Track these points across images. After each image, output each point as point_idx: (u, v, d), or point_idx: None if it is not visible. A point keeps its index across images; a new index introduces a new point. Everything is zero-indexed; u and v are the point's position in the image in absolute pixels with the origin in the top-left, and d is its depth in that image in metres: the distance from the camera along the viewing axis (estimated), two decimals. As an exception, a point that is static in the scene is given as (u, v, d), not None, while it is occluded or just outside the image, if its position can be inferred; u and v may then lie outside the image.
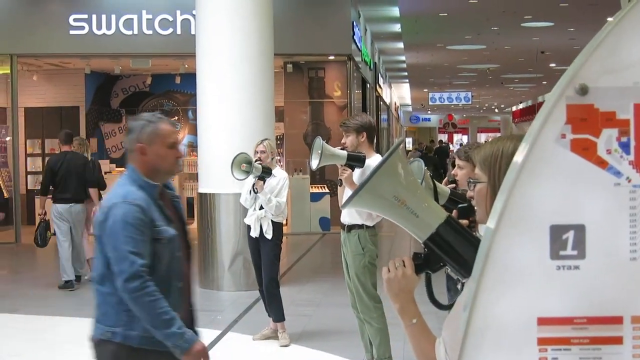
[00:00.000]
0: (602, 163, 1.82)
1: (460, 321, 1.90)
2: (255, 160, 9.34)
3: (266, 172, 9.35)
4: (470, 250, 2.43)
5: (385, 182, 2.40)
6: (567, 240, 1.82)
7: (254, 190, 9.37)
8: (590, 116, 1.82)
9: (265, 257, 9.52)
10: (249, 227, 9.61)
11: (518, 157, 1.84)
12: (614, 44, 1.82)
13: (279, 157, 9.96)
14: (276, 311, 9.68)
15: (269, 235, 9.44)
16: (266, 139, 9.84)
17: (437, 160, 34.50)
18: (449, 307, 2.71)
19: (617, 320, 1.85)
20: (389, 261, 2.64)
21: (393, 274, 2.61)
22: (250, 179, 9.33)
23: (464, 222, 2.76)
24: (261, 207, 9.43)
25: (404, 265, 2.60)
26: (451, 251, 2.46)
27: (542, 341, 1.84)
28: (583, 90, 1.81)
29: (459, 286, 2.77)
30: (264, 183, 9.37)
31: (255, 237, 9.55)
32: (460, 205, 3.04)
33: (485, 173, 2.60)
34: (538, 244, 1.82)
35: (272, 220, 9.46)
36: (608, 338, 1.85)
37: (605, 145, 1.82)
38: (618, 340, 1.85)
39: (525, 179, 1.82)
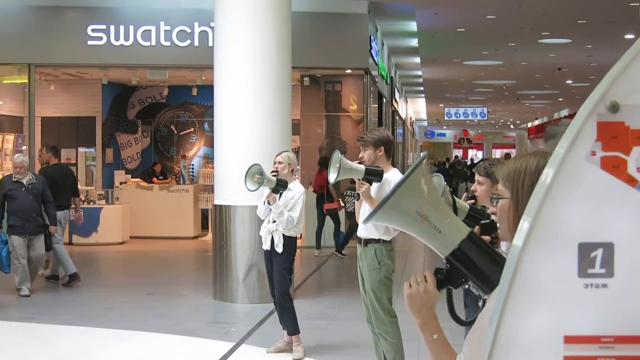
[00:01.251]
0: (632, 181, 1.81)
1: (484, 337, 1.89)
2: (272, 172, 9.33)
3: (281, 185, 9.30)
4: (492, 267, 2.42)
5: (408, 197, 2.39)
6: (595, 258, 1.81)
7: (268, 203, 9.36)
8: (621, 134, 1.81)
9: (276, 270, 9.50)
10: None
11: (547, 174, 1.83)
12: (645, 62, 1.81)
13: (298, 168, 9.89)
14: (289, 324, 9.65)
15: (279, 249, 9.40)
16: (286, 151, 9.78)
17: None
18: (469, 323, 2.69)
19: (645, 340, 1.83)
20: (411, 277, 2.63)
21: (415, 289, 2.59)
22: (268, 191, 9.31)
23: (486, 238, 2.73)
24: (275, 220, 9.42)
25: (426, 281, 2.59)
26: (473, 267, 2.45)
27: (568, 359, 1.83)
28: (614, 108, 1.80)
29: (480, 303, 2.76)
30: (280, 196, 9.36)
31: (267, 250, 9.54)
32: (482, 222, 3.02)
33: (508, 189, 2.59)
34: (566, 261, 1.81)
35: (284, 234, 9.44)
36: (635, 357, 1.83)
37: (635, 163, 1.81)
38: (645, 360, 1.84)
39: (555, 195, 1.81)
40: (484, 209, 5.62)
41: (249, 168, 9.09)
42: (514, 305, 1.83)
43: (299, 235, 9.87)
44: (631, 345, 1.83)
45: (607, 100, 1.80)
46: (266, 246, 9.53)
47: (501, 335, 1.83)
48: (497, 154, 71.37)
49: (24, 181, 13.13)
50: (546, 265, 1.81)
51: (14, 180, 13.23)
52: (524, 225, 1.84)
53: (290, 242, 9.51)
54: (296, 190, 9.50)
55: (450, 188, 5.37)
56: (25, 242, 13.13)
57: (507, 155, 37.10)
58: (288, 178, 9.44)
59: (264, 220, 9.60)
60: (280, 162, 9.47)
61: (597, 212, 1.81)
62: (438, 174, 5.31)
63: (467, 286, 2.56)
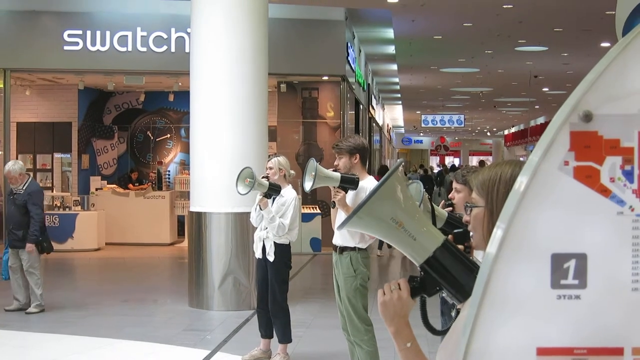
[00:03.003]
0: (605, 191, 1.80)
1: (457, 347, 1.87)
2: (263, 177, 9.27)
3: (274, 190, 9.20)
4: (467, 275, 2.40)
5: (383, 203, 2.37)
6: (568, 269, 1.80)
7: (260, 208, 9.29)
8: (594, 143, 1.79)
9: (272, 281, 9.43)
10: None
11: (520, 183, 1.81)
12: (618, 71, 1.79)
13: (293, 172, 9.78)
14: (279, 331, 9.62)
15: (270, 257, 9.32)
16: (277, 156, 9.64)
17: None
18: (443, 332, 2.68)
19: (618, 352, 1.81)
20: (385, 284, 2.61)
21: (388, 296, 2.57)
22: (259, 197, 9.23)
23: (460, 247, 2.72)
24: (266, 227, 9.35)
25: (400, 288, 2.57)
26: (447, 275, 2.44)
27: (541, 371, 1.81)
28: (587, 117, 1.78)
29: (453, 313, 2.74)
30: (272, 201, 9.29)
31: (259, 258, 9.48)
32: (456, 230, 3.01)
33: (482, 197, 2.59)
34: (539, 272, 1.80)
35: (275, 242, 9.37)
36: (608, 369, 1.82)
37: (608, 173, 1.80)
38: (619, 372, 1.82)
39: (527, 205, 1.79)
40: (462, 217, 5.61)
41: (241, 171, 8.98)
42: (487, 315, 1.81)
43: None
44: (604, 357, 1.81)
45: (580, 110, 1.79)
46: (258, 254, 9.47)
47: (474, 346, 1.81)
48: (474, 161, 71.62)
49: (14, 190, 12.76)
50: (519, 275, 1.80)
51: (10, 187, 12.97)
52: (497, 232, 1.83)
53: (282, 251, 9.43)
54: (288, 196, 9.40)
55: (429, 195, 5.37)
56: (15, 253, 12.71)
57: (482, 163, 37.23)
58: (280, 183, 9.36)
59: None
60: (270, 168, 9.39)
61: (571, 222, 1.79)
62: (417, 180, 5.30)
63: (442, 295, 2.54)
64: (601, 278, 1.80)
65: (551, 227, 1.79)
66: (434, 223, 4.58)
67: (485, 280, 1.81)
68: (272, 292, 9.45)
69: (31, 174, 13.67)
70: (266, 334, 9.76)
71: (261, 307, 9.68)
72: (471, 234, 2.71)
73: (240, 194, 9.01)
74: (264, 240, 9.37)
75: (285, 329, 9.59)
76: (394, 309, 2.57)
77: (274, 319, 9.56)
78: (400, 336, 2.60)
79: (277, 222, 9.23)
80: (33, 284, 12.56)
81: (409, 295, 2.56)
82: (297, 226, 9.58)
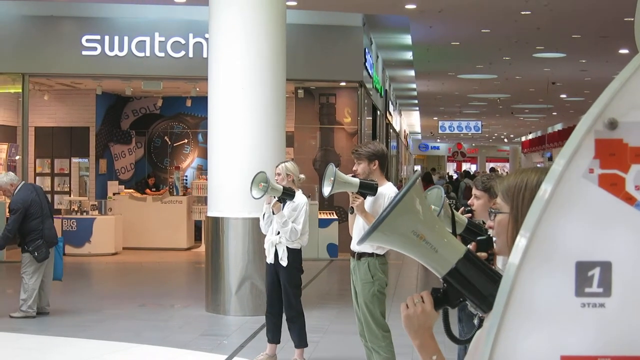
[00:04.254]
0: (630, 199, 1.79)
1: (481, 357, 1.86)
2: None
3: (288, 194, 9.21)
4: (490, 285, 2.39)
5: (403, 218, 2.35)
6: (592, 277, 1.79)
7: (272, 212, 9.30)
8: (619, 151, 1.79)
9: (286, 286, 9.45)
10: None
11: (544, 191, 1.81)
12: (643, 79, 1.79)
13: (303, 176, 9.77)
14: (295, 336, 9.63)
15: (284, 262, 9.34)
16: (285, 162, 9.69)
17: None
18: (466, 342, 2.66)
19: (642, 361, 1.81)
20: (408, 297, 2.59)
21: (412, 310, 2.55)
22: (266, 205, 9.26)
23: (482, 255, 2.71)
24: (278, 232, 9.36)
25: (423, 301, 2.55)
26: (471, 286, 2.42)
27: (565, 380, 1.80)
28: (612, 125, 1.78)
29: (475, 321, 2.73)
30: (284, 206, 9.30)
31: (271, 263, 9.49)
32: (479, 238, 2.99)
33: (507, 204, 2.57)
34: (563, 280, 1.79)
35: (288, 247, 9.38)
36: (632, 378, 1.81)
37: (634, 181, 1.79)
38: (643, 381, 1.81)
39: (552, 213, 1.79)
40: (481, 224, 5.60)
41: (255, 175, 9.00)
42: (510, 324, 1.80)
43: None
44: (628, 365, 1.80)
45: (606, 117, 1.78)
46: (270, 259, 9.48)
47: (497, 355, 1.81)
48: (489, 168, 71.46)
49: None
50: (543, 283, 1.79)
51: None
52: (520, 241, 1.82)
53: (295, 255, 9.44)
54: (299, 201, 9.40)
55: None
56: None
57: (492, 170, 37.13)
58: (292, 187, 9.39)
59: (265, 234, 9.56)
60: (278, 174, 9.42)
61: (595, 230, 1.79)
62: (438, 186, 5.29)
63: (465, 306, 2.53)
64: (626, 286, 1.79)
65: (576, 234, 1.79)
66: (454, 229, 4.57)
67: (509, 288, 1.80)
68: (286, 297, 9.46)
69: (24, 180, 13.31)
70: (273, 339, 9.75)
71: (270, 311, 9.70)
72: (494, 239, 2.70)
73: (255, 198, 9.03)
74: (277, 246, 9.38)
75: (301, 334, 9.60)
76: (418, 322, 2.55)
77: (290, 324, 9.56)
78: (425, 349, 2.58)
79: (289, 226, 9.24)
80: (21, 288, 12.48)
81: (432, 307, 2.54)
82: (307, 231, 9.61)
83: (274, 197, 9.17)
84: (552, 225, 1.78)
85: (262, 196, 8.97)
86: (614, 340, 1.79)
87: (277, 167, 9.53)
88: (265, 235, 9.64)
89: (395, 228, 2.35)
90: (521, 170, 2.64)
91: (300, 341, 9.62)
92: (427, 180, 18.31)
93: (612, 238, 1.79)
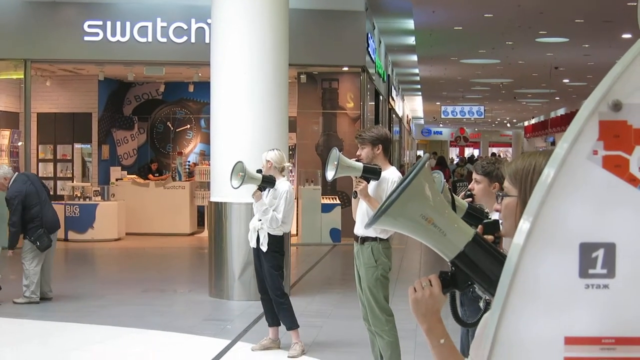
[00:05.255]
0: (634, 180, 1.79)
1: (486, 339, 1.86)
2: (258, 171, 9.34)
3: (268, 182, 9.32)
4: (498, 269, 2.38)
5: (413, 202, 2.34)
6: (596, 259, 1.79)
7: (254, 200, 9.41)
8: (623, 133, 1.79)
9: (265, 268, 9.52)
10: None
11: (547, 175, 1.80)
12: (648, 60, 1.79)
13: (289, 165, 9.83)
14: (286, 319, 9.65)
15: (264, 247, 9.43)
16: (272, 150, 9.74)
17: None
18: (473, 325, 2.66)
19: (647, 342, 1.81)
20: (416, 281, 2.58)
21: (420, 293, 2.54)
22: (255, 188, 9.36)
23: (489, 237, 2.70)
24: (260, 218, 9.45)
25: (431, 285, 2.54)
26: (479, 270, 2.41)
27: (568, 360, 1.81)
28: (616, 107, 1.78)
29: (480, 304, 2.73)
30: (267, 193, 9.37)
31: (254, 248, 9.56)
32: (486, 221, 2.98)
33: (515, 187, 2.56)
34: (567, 261, 1.79)
35: (269, 233, 9.44)
36: (636, 359, 1.81)
37: (638, 163, 1.79)
38: (647, 362, 1.82)
39: (555, 195, 1.78)
40: (482, 207, 5.61)
41: (234, 166, 9.17)
42: (514, 305, 1.80)
43: (294, 233, 9.83)
44: (633, 346, 1.80)
45: (610, 99, 1.78)
46: (252, 244, 9.58)
47: (501, 336, 1.81)
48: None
49: None
50: (547, 265, 1.79)
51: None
52: (524, 225, 1.82)
53: (275, 241, 9.52)
54: (280, 188, 9.47)
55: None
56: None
57: (494, 155, 37.12)
58: (277, 175, 9.45)
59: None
60: (268, 161, 9.50)
61: (599, 212, 1.79)
62: (438, 171, 5.30)
63: (472, 289, 2.52)
64: (630, 267, 1.79)
65: (580, 216, 1.79)
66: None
67: (513, 270, 1.80)
68: (269, 278, 9.51)
69: (17, 172, 13.17)
70: (272, 321, 9.80)
71: (263, 296, 9.76)
72: (500, 221, 2.69)
73: (234, 188, 9.18)
74: (259, 231, 9.44)
75: (289, 315, 9.61)
76: (425, 306, 2.53)
77: (277, 306, 9.59)
78: (433, 333, 2.57)
79: (270, 214, 9.31)
80: (23, 274, 12.51)
81: (440, 291, 2.53)
82: (291, 219, 9.73)
83: (255, 185, 9.26)
84: (555, 207, 1.78)
85: (240, 185, 9.11)
86: (617, 321, 1.80)
87: (265, 154, 9.60)
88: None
89: (404, 212, 2.34)
90: (529, 154, 2.63)
91: (292, 322, 9.64)
92: (442, 165, 18.22)
93: (616, 219, 1.79)
